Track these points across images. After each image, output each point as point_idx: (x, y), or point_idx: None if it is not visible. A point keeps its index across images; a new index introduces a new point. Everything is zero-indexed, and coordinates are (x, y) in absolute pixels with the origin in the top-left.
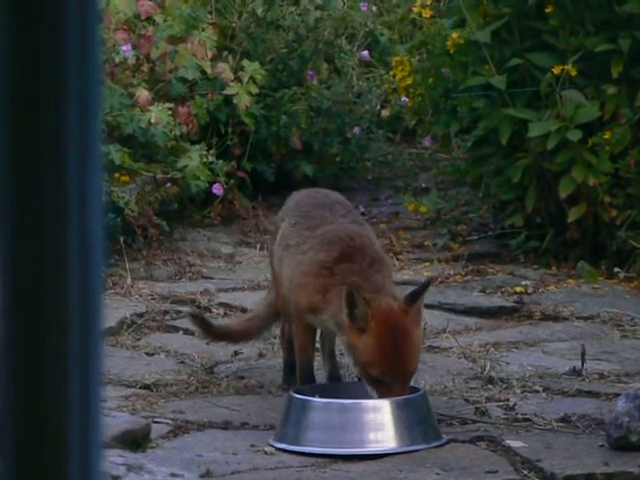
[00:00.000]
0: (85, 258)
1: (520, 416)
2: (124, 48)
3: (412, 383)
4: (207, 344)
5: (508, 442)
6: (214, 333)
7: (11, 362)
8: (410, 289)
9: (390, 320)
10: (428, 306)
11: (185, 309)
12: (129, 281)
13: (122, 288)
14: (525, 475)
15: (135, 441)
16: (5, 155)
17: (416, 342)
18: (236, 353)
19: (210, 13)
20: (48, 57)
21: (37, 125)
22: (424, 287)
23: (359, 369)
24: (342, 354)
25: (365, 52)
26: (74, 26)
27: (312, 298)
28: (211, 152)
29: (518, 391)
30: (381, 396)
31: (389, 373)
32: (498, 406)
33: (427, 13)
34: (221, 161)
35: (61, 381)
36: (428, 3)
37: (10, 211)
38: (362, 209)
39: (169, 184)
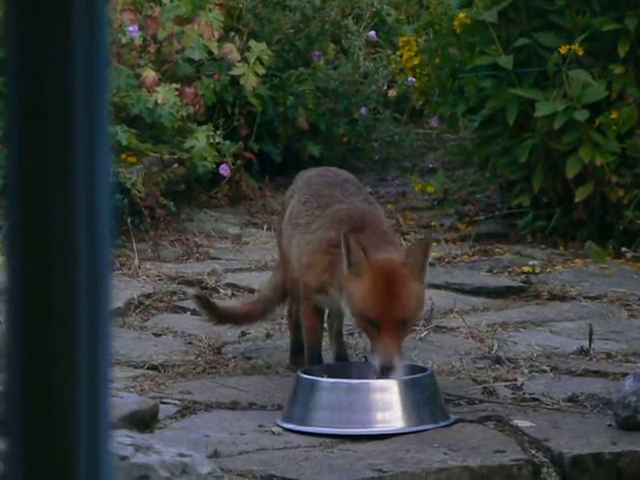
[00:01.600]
0: (93, 239)
1: (528, 396)
2: (131, 29)
3: (420, 363)
4: (213, 325)
5: (516, 422)
6: (219, 315)
7: (19, 343)
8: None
9: (387, 268)
10: (435, 286)
11: (190, 290)
12: (136, 262)
13: (129, 269)
14: (533, 455)
15: (143, 421)
16: (13, 136)
17: (412, 292)
18: (243, 334)
19: None
20: (56, 38)
21: (45, 106)
22: (424, 245)
23: (355, 318)
24: (350, 334)
25: (372, 32)
26: (81, 7)
27: (321, 277)
28: (218, 133)
29: (526, 371)
30: (373, 342)
31: (381, 315)
32: (506, 386)
33: None
34: (228, 142)
35: (69, 362)
36: None
37: (18, 193)
38: (369, 189)
39: (176, 165)
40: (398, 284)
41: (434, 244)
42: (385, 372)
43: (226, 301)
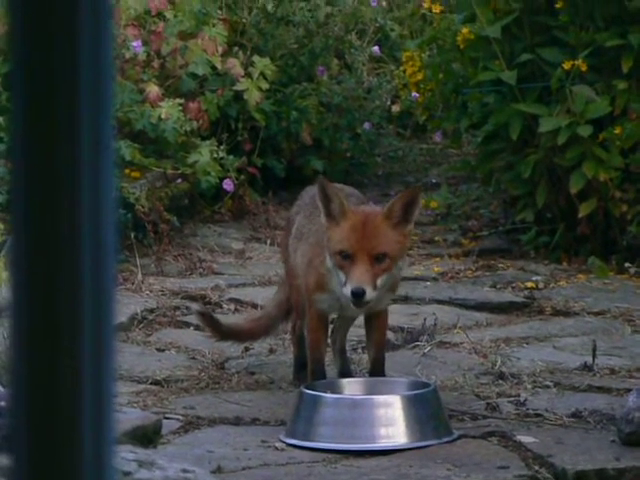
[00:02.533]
0: (98, 254)
1: (531, 411)
2: (134, 44)
3: (424, 379)
4: (215, 341)
5: (519, 437)
6: (222, 332)
7: (24, 358)
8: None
9: (364, 213)
10: (439, 301)
11: (194, 306)
12: (140, 277)
13: (133, 284)
14: (536, 470)
15: (146, 437)
16: (18, 151)
17: (387, 233)
18: (247, 349)
19: (220, 9)
20: (61, 54)
21: (50, 122)
22: (408, 195)
23: (333, 259)
24: (353, 350)
25: (375, 47)
26: (87, 22)
27: (319, 271)
28: (221, 148)
29: (529, 386)
30: (347, 273)
31: (353, 246)
32: (509, 401)
33: (437, 8)
34: (231, 157)
35: (74, 377)
36: None
37: (23, 208)
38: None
39: (179, 180)
40: (373, 225)
41: (437, 259)
42: (356, 296)
43: (229, 316)
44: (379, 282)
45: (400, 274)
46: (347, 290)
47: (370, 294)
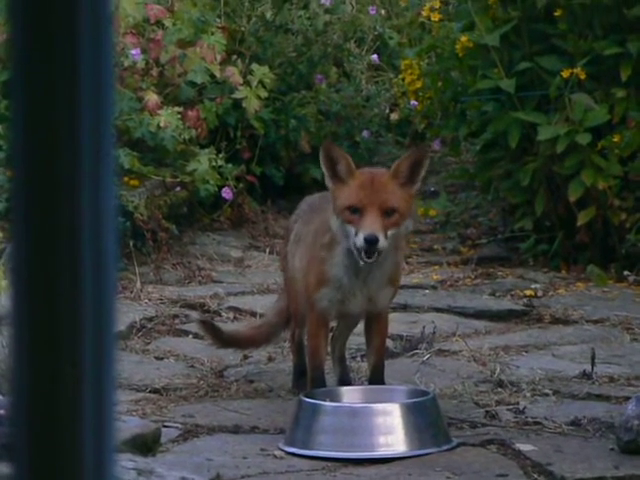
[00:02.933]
0: (99, 262)
1: (530, 419)
2: (133, 52)
3: (423, 387)
4: (216, 348)
5: (518, 446)
6: (223, 340)
7: (24, 367)
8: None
9: (371, 172)
10: (438, 309)
11: (194, 314)
12: (138, 285)
13: (131, 292)
14: (535, 479)
15: (145, 445)
16: (18, 159)
17: (395, 190)
18: (245, 357)
19: (219, 17)
20: (61, 61)
21: (50, 130)
22: (415, 154)
23: (340, 216)
24: (352, 358)
25: (374, 56)
26: (87, 30)
27: (320, 267)
28: (220, 156)
29: (528, 394)
30: (357, 225)
31: (362, 200)
32: (508, 409)
33: (436, 17)
34: (230, 165)
35: (75, 386)
36: (437, 7)
37: (24, 216)
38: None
39: (178, 188)
40: (380, 182)
41: (436, 267)
42: (369, 242)
43: (228, 324)
44: (389, 233)
45: (408, 231)
46: (359, 239)
47: (382, 242)
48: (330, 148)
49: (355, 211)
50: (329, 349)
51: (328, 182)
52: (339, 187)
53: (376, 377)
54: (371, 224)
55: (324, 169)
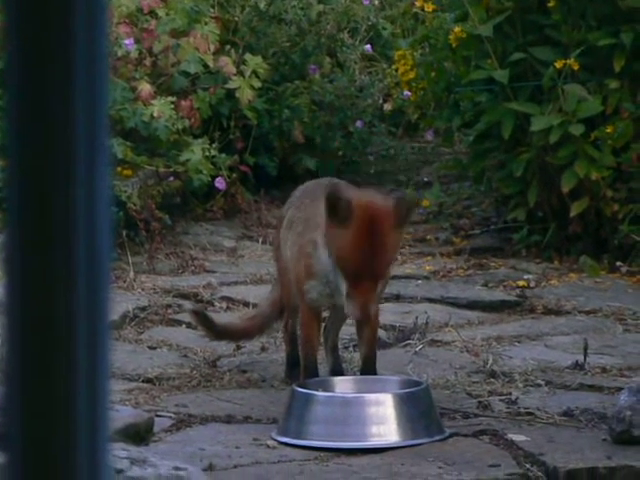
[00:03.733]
0: (93, 252)
1: (523, 410)
2: (126, 42)
3: (415, 377)
4: (209, 341)
5: (511, 436)
6: (216, 331)
7: (17, 355)
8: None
9: (371, 215)
10: (430, 300)
11: (187, 305)
12: (131, 275)
13: (124, 282)
14: (527, 469)
15: (138, 435)
16: (13, 148)
17: (394, 246)
18: (238, 347)
19: (212, 7)
20: (56, 50)
21: (45, 119)
22: (411, 203)
23: (336, 262)
24: (345, 348)
25: (367, 46)
26: (81, 19)
27: (307, 260)
28: (213, 146)
29: (520, 385)
30: (351, 289)
31: (363, 264)
32: (500, 400)
33: (429, 7)
34: (223, 155)
35: (69, 374)
36: None
37: (17, 205)
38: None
39: (171, 178)
40: (381, 238)
41: (429, 258)
42: (362, 316)
43: (221, 314)
44: (379, 292)
45: None
46: (352, 309)
47: (374, 308)
48: (333, 196)
49: (353, 273)
50: (322, 339)
51: (325, 220)
52: (337, 230)
53: (368, 368)
54: (366, 299)
55: (325, 211)
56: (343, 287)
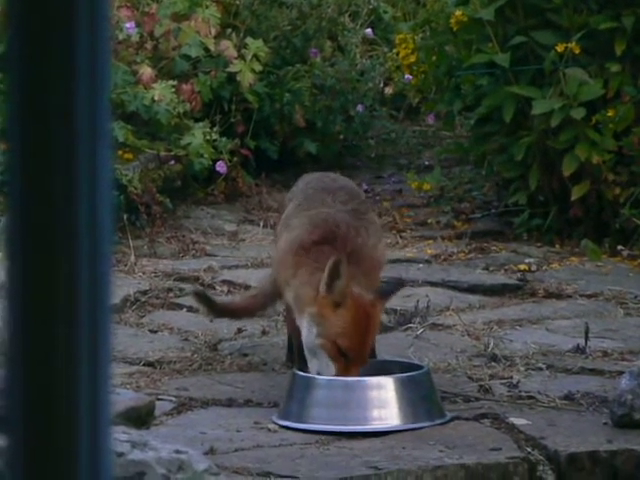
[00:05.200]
0: (94, 236)
1: (524, 394)
2: (127, 25)
3: (416, 361)
4: (210, 321)
5: (512, 420)
6: (217, 310)
7: (19, 340)
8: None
9: (363, 303)
10: (432, 283)
11: (188, 287)
12: (132, 259)
13: (125, 266)
14: (529, 452)
15: (139, 418)
16: (14, 132)
17: (379, 326)
18: (240, 330)
19: None
20: (58, 35)
21: (46, 103)
22: (397, 287)
23: (325, 341)
24: None
25: (368, 30)
26: (83, 1)
27: (286, 273)
28: (214, 130)
29: (522, 369)
30: (339, 372)
31: (355, 349)
32: (502, 384)
33: None
34: (224, 139)
35: (70, 358)
36: None
37: (19, 189)
38: (365, 187)
39: (172, 162)
40: (372, 325)
41: (430, 241)
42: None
43: (222, 298)
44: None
45: None
46: (331, 370)
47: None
48: (338, 265)
49: (342, 358)
50: None
51: (322, 287)
52: (331, 307)
53: None
54: (353, 375)
55: (325, 275)
56: (328, 363)
